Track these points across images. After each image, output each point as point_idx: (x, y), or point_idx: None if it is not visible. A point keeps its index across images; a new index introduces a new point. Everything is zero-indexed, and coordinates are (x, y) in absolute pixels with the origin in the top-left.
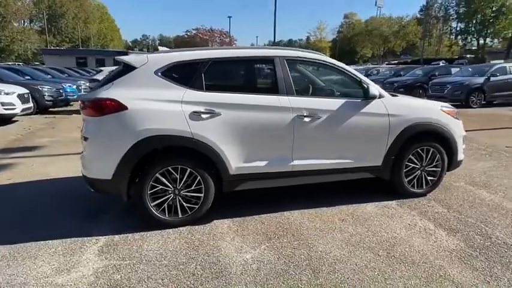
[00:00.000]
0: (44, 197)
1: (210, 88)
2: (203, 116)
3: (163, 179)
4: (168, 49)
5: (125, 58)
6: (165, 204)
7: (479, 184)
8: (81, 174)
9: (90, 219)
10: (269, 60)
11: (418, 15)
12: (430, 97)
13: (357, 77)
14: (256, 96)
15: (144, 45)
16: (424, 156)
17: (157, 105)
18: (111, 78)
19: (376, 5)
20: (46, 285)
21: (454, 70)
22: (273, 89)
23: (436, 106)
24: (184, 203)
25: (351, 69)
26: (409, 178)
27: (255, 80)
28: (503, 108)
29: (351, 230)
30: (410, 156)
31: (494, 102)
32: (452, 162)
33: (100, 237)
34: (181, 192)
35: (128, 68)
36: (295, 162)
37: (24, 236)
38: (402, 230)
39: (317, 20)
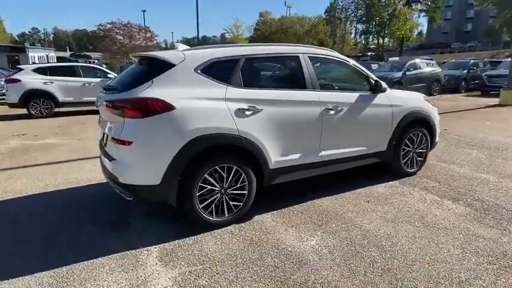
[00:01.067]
0: (47, 215)
1: (246, 85)
2: (247, 112)
3: (211, 179)
4: (185, 45)
5: (160, 54)
6: (213, 205)
7: (448, 161)
8: (58, 188)
9: (119, 231)
10: (295, 57)
11: (324, 16)
12: None
13: (365, 72)
14: (291, 92)
15: (35, 39)
16: (415, 139)
17: (203, 103)
18: (143, 77)
19: (285, 4)
20: None
21: (373, 66)
22: (301, 84)
23: (421, 96)
24: (230, 202)
25: (359, 65)
26: (405, 160)
27: (284, 76)
28: None
29: (381, 209)
30: (406, 140)
31: None
32: (432, 144)
33: (149, 247)
34: (227, 190)
35: (164, 65)
36: (323, 152)
37: (57, 259)
38: (419, 203)
39: (232, 17)
